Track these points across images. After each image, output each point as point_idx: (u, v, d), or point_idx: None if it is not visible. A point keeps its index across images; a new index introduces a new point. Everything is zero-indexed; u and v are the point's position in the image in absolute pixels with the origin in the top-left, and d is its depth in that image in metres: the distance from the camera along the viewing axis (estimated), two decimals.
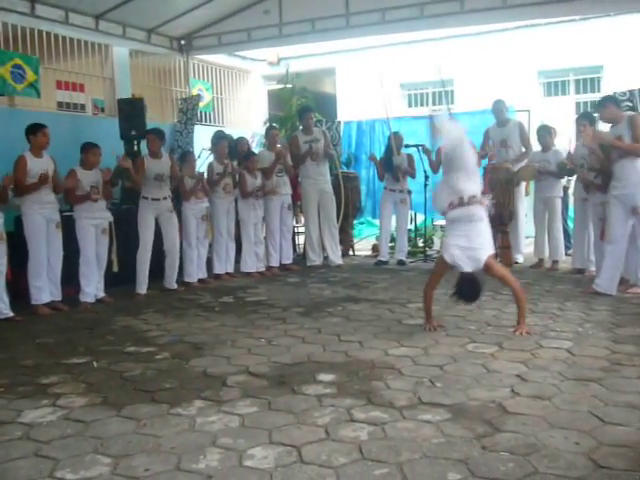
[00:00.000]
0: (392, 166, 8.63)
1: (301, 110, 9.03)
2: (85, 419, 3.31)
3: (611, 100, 6.53)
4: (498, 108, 8.41)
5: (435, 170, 8.60)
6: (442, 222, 10.15)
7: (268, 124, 11.15)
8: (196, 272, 7.48)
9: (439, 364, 4.08)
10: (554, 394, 3.48)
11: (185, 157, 7.58)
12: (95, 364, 4.36)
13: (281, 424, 3.15)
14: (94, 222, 6.48)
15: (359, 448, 2.84)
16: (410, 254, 9.18)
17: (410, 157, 8.80)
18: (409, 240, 9.44)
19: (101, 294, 6.69)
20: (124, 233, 7.06)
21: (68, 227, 6.41)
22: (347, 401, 3.44)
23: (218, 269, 7.76)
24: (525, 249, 8.75)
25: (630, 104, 8.43)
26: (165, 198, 7.02)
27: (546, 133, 8.17)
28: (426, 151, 8.60)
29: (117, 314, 6.06)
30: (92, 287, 6.53)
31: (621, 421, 3.08)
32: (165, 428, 3.16)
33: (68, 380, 4.02)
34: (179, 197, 7.43)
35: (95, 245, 6.51)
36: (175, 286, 7.18)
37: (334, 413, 3.27)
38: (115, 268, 6.72)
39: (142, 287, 6.93)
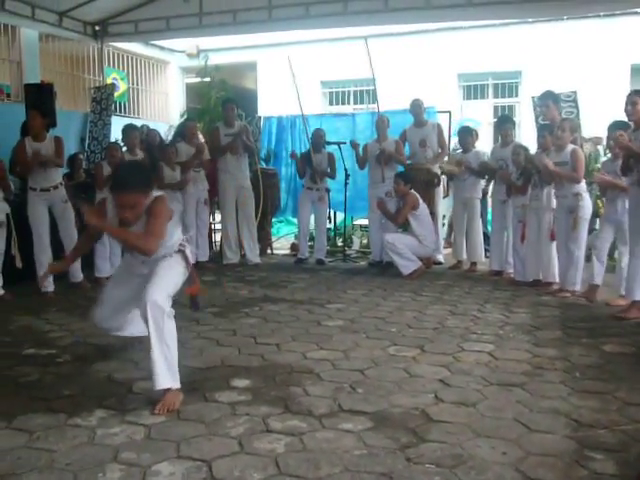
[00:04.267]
0: (312, 165, 8.46)
1: (223, 101, 8.74)
2: None
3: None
4: (416, 106, 8.36)
5: (362, 166, 8.52)
6: (362, 221, 10.11)
7: (186, 117, 10.79)
8: (109, 268, 7.06)
9: (360, 368, 3.91)
10: (478, 400, 3.36)
11: (110, 147, 7.27)
12: None
13: (191, 435, 2.89)
14: None
15: (275, 462, 2.62)
16: (329, 253, 9.04)
17: (331, 156, 8.64)
18: (328, 239, 9.30)
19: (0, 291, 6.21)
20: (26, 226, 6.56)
21: None
22: (263, 409, 3.21)
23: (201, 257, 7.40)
24: (445, 250, 8.75)
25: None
26: (53, 187, 6.54)
27: (467, 134, 8.18)
28: (354, 146, 8.49)
29: (17, 312, 5.61)
30: None
31: (547, 428, 2.98)
32: (61, 441, 2.84)
33: None
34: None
35: None
36: (80, 278, 6.74)
37: (249, 423, 3.04)
38: (19, 263, 6.26)
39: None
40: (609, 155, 6.42)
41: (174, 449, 2.75)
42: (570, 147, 6.20)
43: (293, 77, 8.34)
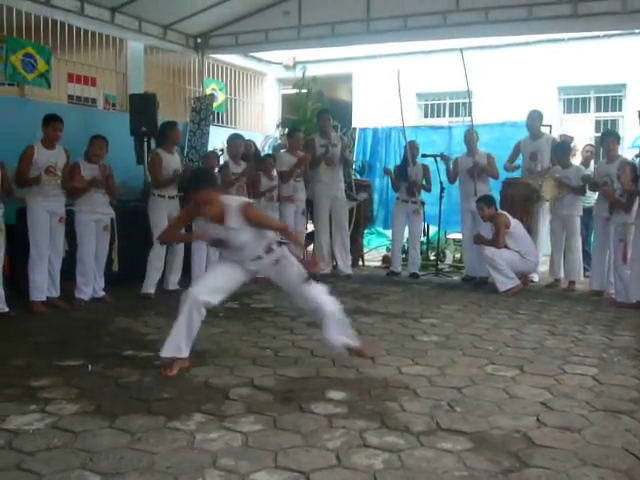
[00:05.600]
0: (407, 176, 8.38)
1: (319, 112, 8.80)
2: (75, 429, 3.05)
3: None
4: (533, 118, 8.12)
5: (452, 180, 8.39)
6: (456, 235, 9.93)
7: (281, 127, 10.93)
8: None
9: (457, 386, 3.82)
10: (583, 426, 3.21)
11: (207, 156, 7.42)
12: (90, 368, 4.11)
13: (288, 446, 2.89)
14: (95, 217, 6.26)
15: (374, 478, 2.58)
16: (422, 267, 8.91)
17: (426, 168, 8.55)
18: (421, 253, 9.19)
19: (101, 293, 6.44)
20: (129, 231, 6.80)
21: (69, 222, 6.17)
22: (359, 423, 3.17)
23: None
24: (541, 268, 8.47)
25: None
26: (176, 196, 6.84)
27: (566, 150, 7.91)
28: (444, 158, 8.38)
29: (117, 315, 5.80)
30: (89, 285, 6.28)
31: None
32: (161, 444, 2.90)
33: (60, 384, 3.77)
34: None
35: (95, 242, 6.27)
36: (177, 287, 6.91)
37: (345, 436, 3.01)
38: (115, 267, 6.48)
39: (151, 287, 6.70)
40: None
41: (272, 458, 2.75)
42: None
43: (399, 89, 8.27)
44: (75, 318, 5.68)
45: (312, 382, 3.88)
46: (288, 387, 3.75)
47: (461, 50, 7.97)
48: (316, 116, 8.88)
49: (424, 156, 8.66)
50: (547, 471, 2.69)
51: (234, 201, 4.06)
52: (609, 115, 11.99)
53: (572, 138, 8.86)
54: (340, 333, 4.13)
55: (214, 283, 4.17)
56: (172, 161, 6.80)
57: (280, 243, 4.20)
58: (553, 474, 2.66)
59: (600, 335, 5.29)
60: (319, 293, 4.18)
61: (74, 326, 5.36)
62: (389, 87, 9.90)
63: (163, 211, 6.69)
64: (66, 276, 6.17)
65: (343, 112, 12.66)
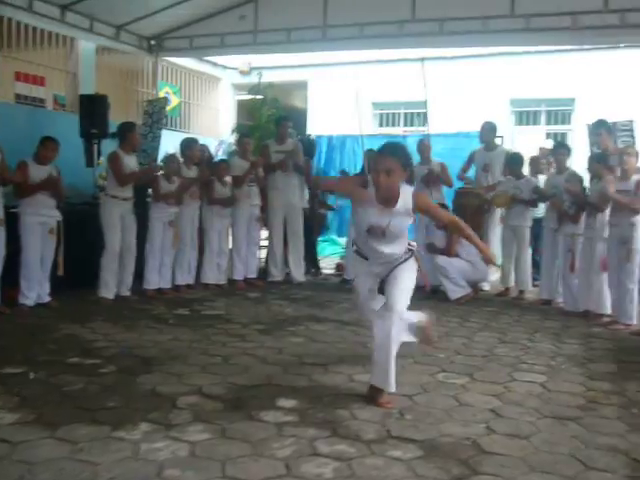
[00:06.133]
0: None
1: (278, 118, 8.75)
2: (13, 439, 2.93)
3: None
4: (487, 130, 8.21)
5: None
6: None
7: (236, 133, 10.85)
8: (157, 280, 7.09)
9: (408, 394, 3.81)
10: (532, 433, 3.24)
11: (168, 159, 7.29)
12: (32, 375, 3.96)
13: (236, 455, 2.83)
14: (40, 220, 6.06)
15: None
16: None
17: None
18: None
19: (46, 298, 6.24)
20: (78, 234, 6.63)
21: (12, 224, 5.95)
22: (310, 431, 3.13)
23: (179, 279, 7.36)
24: (491, 277, 8.56)
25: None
26: (131, 198, 6.72)
27: (518, 162, 8.02)
28: None
29: (62, 321, 5.63)
30: (33, 290, 6.08)
31: (605, 467, 2.85)
32: (104, 454, 2.81)
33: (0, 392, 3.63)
34: (143, 199, 7.09)
35: (40, 245, 6.08)
36: (127, 293, 6.78)
37: (296, 445, 2.96)
38: (60, 271, 6.30)
39: (109, 292, 6.57)
40: None
41: (219, 468, 2.69)
42: (636, 176, 6.02)
43: (356, 96, 8.27)
44: (18, 324, 5.49)
45: (263, 390, 3.82)
46: (238, 395, 3.69)
47: (422, 60, 8.03)
48: (275, 122, 8.82)
49: None
50: (496, 478, 2.70)
51: (407, 186, 3.74)
52: (559, 128, 12.26)
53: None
54: (380, 373, 3.69)
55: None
56: (131, 162, 6.69)
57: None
58: None
59: (549, 343, 5.36)
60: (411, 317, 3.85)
61: (16, 332, 5.19)
62: (344, 95, 9.96)
63: (116, 213, 6.55)
64: (8, 281, 5.96)
65: (298, 119, 12.65)
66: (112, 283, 6.60)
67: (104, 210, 6.59)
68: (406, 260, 3.83)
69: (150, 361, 4.38)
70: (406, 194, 3.67)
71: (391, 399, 3.62)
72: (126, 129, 6.81)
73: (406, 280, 3.78)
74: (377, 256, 3.83)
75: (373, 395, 3.65)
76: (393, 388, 3.62)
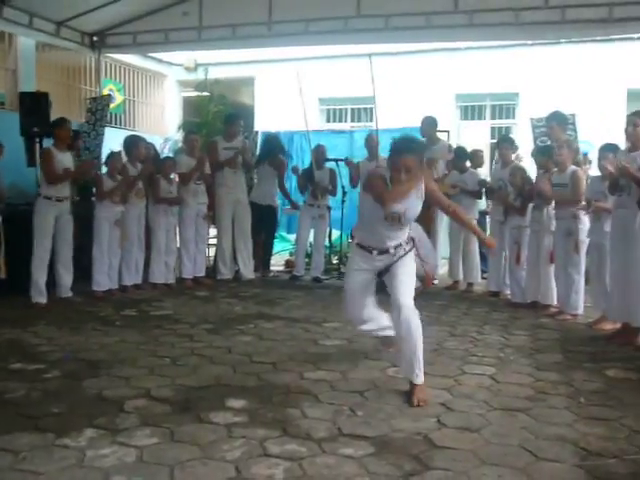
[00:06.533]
0: (313, 180, 8.38)
1: (229, 116, 8.66)
2: None
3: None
4: (428, 124, 8.25)
5: (355, 184, 8.44)
6: None
7: (182, 130, 10.70)
8: (106, 282, 6.93)
9: (359, 390, 3.80)
10: (482, 425, 3.26)
11: (111, 157, 7.11)
12: None
13: (185, 459, 2.77)
14: None
15: None
16: (325, 271, 8.91)
17: (332, 172, 8.58)
18: (324, 257, 9.19)
19: None
20: (20, 236, 6.43)
21: None
22: (260, 432, 3.09)
23: (127, 280, 7.21)
24: (440, 270, 8.65)
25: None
26: (67, 198, 6.51)
27: (463, 155, 8.11)
28: (348, 163, 8.43)
29: (3, 325, 5.43)
30: None
31: (555, 457, 2.88)
32: (48, 463, 2.71)
33: None
34: (88, 198, 6.89)
35: None
36: (69, 294, 6.59)
37: (245, 446, 2.92)
38: (2, 274, 6.11)
39: (42, 296, 6.32)
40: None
41: (167, 473, 2.63)
42: (571, 169, 6.14)
43: (300, 92, 8.24)
44: None
45: (212, 390, 3.76)
46: (186, 397, 3.62)
47: (369, 56, 8.02)
48: (225, 119, 8.72)
49: (327, 160, 8.68)
50: (448, 472, 2.70)
51: None
52: (504, 122, 12.44)
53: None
54: (407, 365, 3.74)
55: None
56: (65, 159, 6.48)
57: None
58: (454, 475, 2.67)
59: (497, 335, 5.43)
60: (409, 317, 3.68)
61: None
62: (292, 91, 9.87)
63: (50, 215, 6.34)
64: None
65: (245, 115, 12.55)
66: (44, 287, 6.34)
67: (37, 212, 6.33)
68: (407, 253, 3.88)
69: (96, 364, 4.27)
70: (420, 180, 3.74)
71: (427, 398, 3.63)
72: (55, 125, 6.63)
73: (410, 273, 3.85)
74: (383, 246, 3.86)
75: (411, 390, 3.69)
76: (420, 380, 3.66)
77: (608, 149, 5.75)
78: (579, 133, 8.49)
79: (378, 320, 4.24)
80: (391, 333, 4.11)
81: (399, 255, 3.86)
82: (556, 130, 6.90)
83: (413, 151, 3.67)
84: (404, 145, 3.70)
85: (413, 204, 3.75)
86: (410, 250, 3.91)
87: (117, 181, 6.90)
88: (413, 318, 3.64)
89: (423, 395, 3.62)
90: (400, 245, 3.86)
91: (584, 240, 6.08)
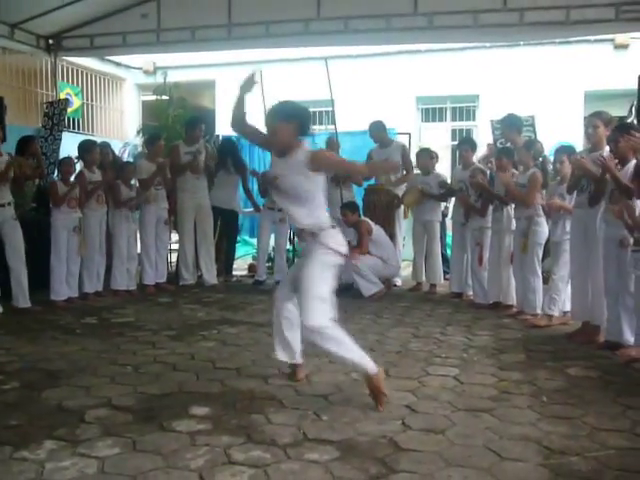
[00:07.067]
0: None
1: (191, 120, 8.57)
2: None
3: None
4: (375, 129, 8.28)
5: None
6: None
7: (142, 135, 10.58)
8: (66, 290, 6.79)
9: (324, 394, 3.78)
10: (447, 427, 3.26)
11: (63, 162, 6.97)
12: None
13: (147, 469, 2.71)
14: None
15: None
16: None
17: None
18: (287, 260, 9.16)
19: None
20: None
21: None
22: (224, 439, 3.05)
23: (88, 287, 7.08)
24: (403, 272, 8.69)
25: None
26: (9, 204, 6.30)
27: (426, 156, 8.17)
28: None
29: None
30: None
31: (519, 456, 2.90)
32: (6, 477, 2.64)
33: None
34: (46, 205, 6.75)
35: None
36: (27, 305, 6.44)
37: (209, 454, 2.88)
38: None
39: None
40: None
41: None
42: (531, 170, 6.22)
43: (262, 93, 8.20)
44: None
45: (174, 398, 3.70)
46: (149, 405, 3.56)
47: (325, 59, 8.04)
48: (187, 123, 8.61)
49: None
50: (413, 475, 2.69)
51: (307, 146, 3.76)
52: (464, 124, 12.60)
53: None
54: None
55: None
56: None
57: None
58: (419, 478, 2.67)
59: (460, 336, 5.46)
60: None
61: None
62: (252, 94, 9.81)
63: None
64: None
65: (206, 119, 12.46)
66: None
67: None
68: (316, 248, 3.61)
69: (56, 374, 4.18)
70: (304, 151, 3.64)
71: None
72: None
73: (314, 276, 3.54)
74: (294, 224, 3.85)
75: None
76: (370, 371, 3.56)
77: (563, 151, 5.85)
78: (538, 134, 8.63)
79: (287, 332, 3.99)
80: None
81: (309, 246, 3.70)
82: (511, 133, 7.02)
83: (273, 115, 3.71)
84: (269, 111, 3.79)
85: (289, 173, 3.63)
86: (319, 244, 3.62)
87: (73, 186, 6.75)
88: (317, 338, 3.50)
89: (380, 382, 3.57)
90: (304, 230, 3.70)
91: (538, 241, 6.15)
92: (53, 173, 8.41)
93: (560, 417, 3.43)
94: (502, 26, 7.98)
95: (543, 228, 6.17)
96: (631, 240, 4.58)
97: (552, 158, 6.38)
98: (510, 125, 7.10)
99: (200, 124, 8.17)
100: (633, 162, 4.73)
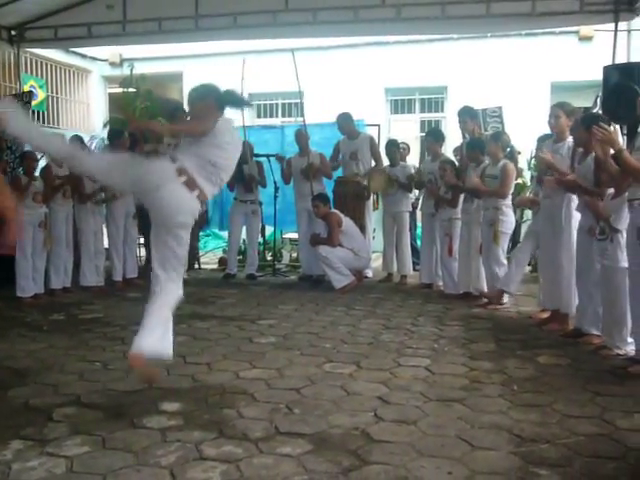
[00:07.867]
0: (243, 176, 8.26)
1: (174, 110, 8.43)
2: None
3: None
4: (342, 121, 8.26)
5: (287, 181, 8.41)
6: (292, 235, 9.98)
7: (108, 127, 10.42)
8: (32, 286, 6.67)
9: (295, 387, 3.76)
10: (419, 417, 3.27)
11: (24, 156, 6.82)
12: None
13: (118, 467, 2.67)
14: None
15: None
16: (259, 268, 8.85)
17: (260, 165, 8.51)
18: (258, 253, 9.13)
19: None
20: None
21: None
22: (195, 434, 3.02)
23: (55, 283, 6.97)
24: (374, 263, 8.71)
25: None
26: None
27: (394, 148, 8.18)
28: (279, 159, 8.38)
29: None
30: None
31: (490, 445, 2.92)
32: None
33: None
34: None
35: None
36: None
37: (181, 450, 2.84)
38: None
39: None
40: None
41: None
42: (502, 162, 6.25)
43: (242, 82, 8.07)
44: None
45: (145, 394, 3.65)
46: (119, 402, 3.51)
47: (292, 51, 8.00)
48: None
49: (257, 156, 8.59)
50: (386, 466, 2.69)
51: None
52: (433, 116, 12.63)
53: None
54: (158, 338, 3.48)
55: None
56: None
57: None
58: (392, 469, 2.67)
59: (431, 326, 5.49)
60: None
61: None
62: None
63: None
64: None
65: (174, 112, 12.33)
66: None
67: None
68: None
69: (23, 372, 4.10)
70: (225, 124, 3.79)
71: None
72: None
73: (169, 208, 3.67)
74: None
75: None
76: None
77: (545, 139, 5.88)
78: (505, 125, 8.70)
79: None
80: None
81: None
82: (469, 124, 7.09)
83: (190, 102, 3.97)
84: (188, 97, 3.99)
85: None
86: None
87: (34, 179, 6.63)
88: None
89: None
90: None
91: (505, 231, 6.22)
92: (19, 167, 8.23)
93: (530, 405, 3.47)
94: (469, 17, 7.99)
95: (510, 218, 6.24)
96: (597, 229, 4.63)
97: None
98: (462, 114, 7.20)
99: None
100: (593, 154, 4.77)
